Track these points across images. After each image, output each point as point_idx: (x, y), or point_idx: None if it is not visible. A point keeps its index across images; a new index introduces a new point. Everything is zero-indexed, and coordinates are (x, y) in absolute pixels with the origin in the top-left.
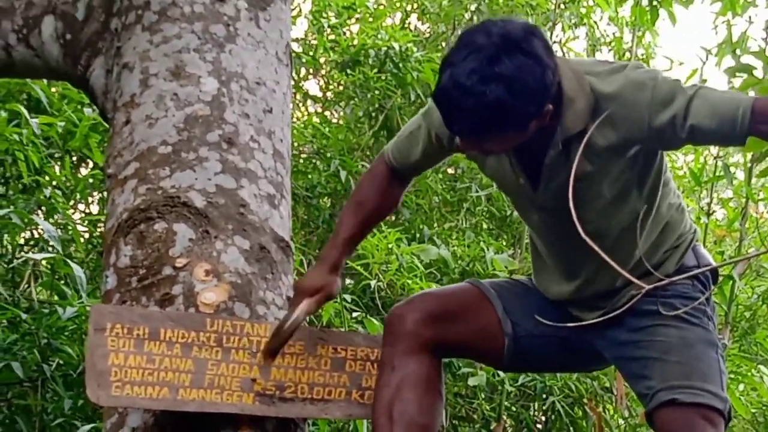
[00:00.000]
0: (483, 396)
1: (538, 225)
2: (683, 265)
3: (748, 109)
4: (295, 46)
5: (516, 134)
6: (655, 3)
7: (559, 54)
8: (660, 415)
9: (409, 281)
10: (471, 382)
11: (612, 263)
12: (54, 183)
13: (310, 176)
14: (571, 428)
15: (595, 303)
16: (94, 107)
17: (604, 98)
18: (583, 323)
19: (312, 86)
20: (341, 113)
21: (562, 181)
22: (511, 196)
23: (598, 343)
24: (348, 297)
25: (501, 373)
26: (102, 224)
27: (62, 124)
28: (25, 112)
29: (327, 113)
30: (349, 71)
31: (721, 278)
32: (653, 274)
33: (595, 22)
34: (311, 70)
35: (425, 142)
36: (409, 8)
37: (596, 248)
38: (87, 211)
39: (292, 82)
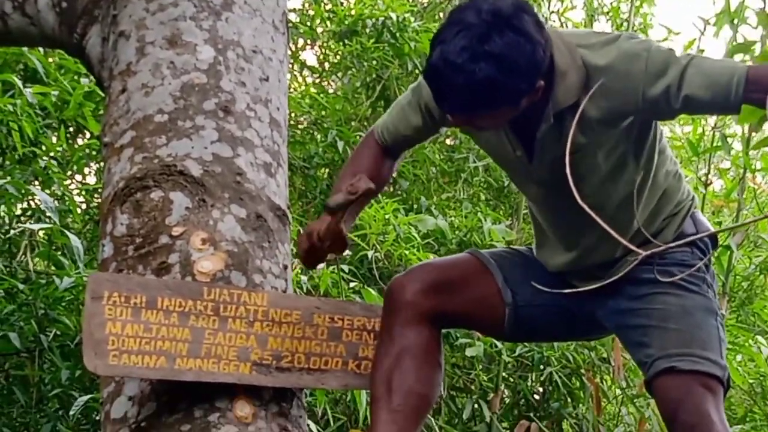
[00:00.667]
0: (480, 367)
1: (536, 197)
2: (682, 233)
3: (742, 77)
4: (292, 17)
5: (507, 111)
6: None
7: (556, 24)
8: (659, 382)
9: (407, 252)
10: (468, 352)
11: (612, 232)
12: (50, 154)
13: (307, 147)
14: (569, 399)
15: (594, 273)
16: (91, 77)
17: (596, 71)
18: (582, 289)
19: (309, 56)
20: (338, 84)
21: (556, 155)
22: (507, 168)
23: (597, 312)
24: (345, 267)
25: (498, 344)
26: (99, 195)
27: (56, 93)
28: (18, 82)
29: (324, 84)
30: (346, 41)
31: (719, 248)
32: (652, 243)
33: None
34: (308, 41)
35: (417, 116)
36: None
37: (596, 218)
38: (84, 181)
39: (290, 53)
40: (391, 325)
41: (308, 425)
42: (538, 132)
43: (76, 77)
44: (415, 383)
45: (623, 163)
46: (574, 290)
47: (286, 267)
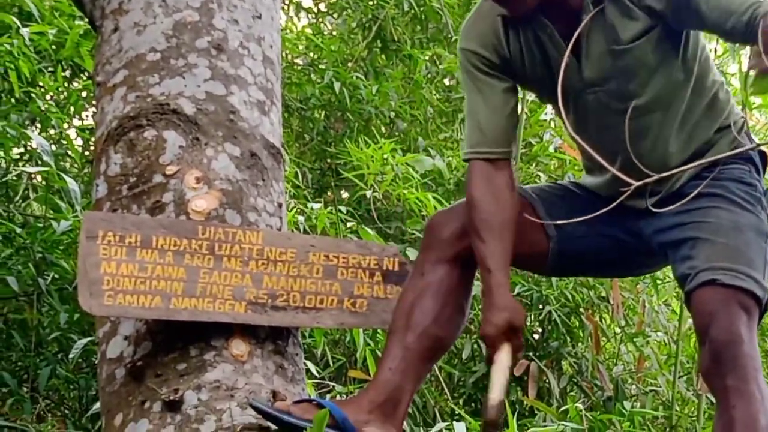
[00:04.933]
0: (480, 306)
1: (594, 107)
2: (737, 146)
3: (759, 10)
4: None
5: None
6: None
7: None
8: (698, 294)
9: (405, 191)
10: None
11: (599, 158)
12: (48, 95)
13: (304, 88)
14: (568, 338)
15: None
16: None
17: None
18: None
19: None
20: (334, 24)
21: (602, 49)
22: (556, 92)
23: (645, 230)
24: (343, 208)
25: None
26: None
27: (53, 32)
28: (16, 21)
29: (320, 25)
30: None
31: None
32: (706, 155)
33: None
34: None
35: (487, 101)
36: None
37: (583, 145)
38: (82, 125)
39: None
40: (423, 260)
41: (306, 365)
42: (582, 26)
43: (70, 19)
44: (432, 324)
45: (669, 60)
46: (613, 204)
47: (280, 205)
